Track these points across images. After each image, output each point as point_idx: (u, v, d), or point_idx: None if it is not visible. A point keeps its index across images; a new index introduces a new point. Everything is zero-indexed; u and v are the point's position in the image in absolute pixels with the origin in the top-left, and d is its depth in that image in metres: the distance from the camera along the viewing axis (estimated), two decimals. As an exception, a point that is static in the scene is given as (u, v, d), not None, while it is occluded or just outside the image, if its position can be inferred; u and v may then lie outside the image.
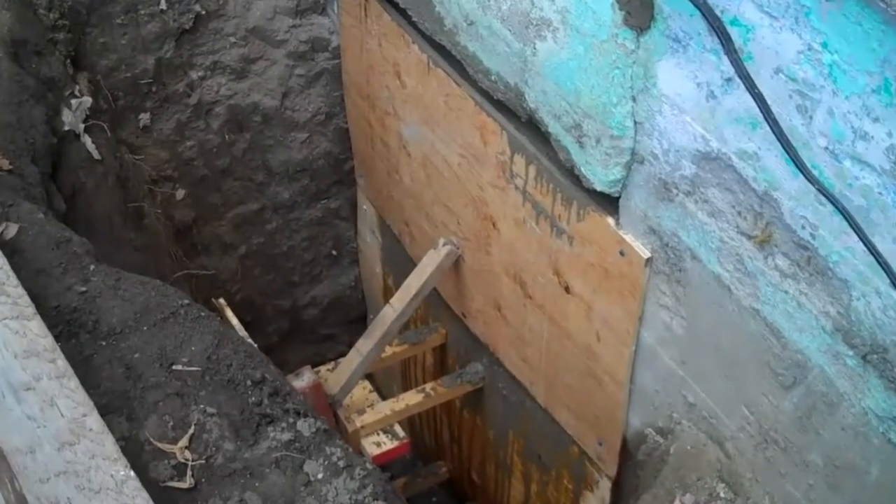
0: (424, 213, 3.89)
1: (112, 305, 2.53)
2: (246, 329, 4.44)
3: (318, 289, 5.09)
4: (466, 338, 4.08)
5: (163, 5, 3.80)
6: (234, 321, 3.98)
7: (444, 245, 3.72)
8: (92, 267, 2.62)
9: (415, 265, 4.20)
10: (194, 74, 3.92)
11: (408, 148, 3.80)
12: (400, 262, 4.45)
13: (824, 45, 1.94)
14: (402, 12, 3.41)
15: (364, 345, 3.81)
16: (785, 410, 2.49)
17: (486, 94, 3.14)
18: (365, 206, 4.63)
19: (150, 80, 3.97)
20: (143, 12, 3.79)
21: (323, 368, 4.12)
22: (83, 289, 2.55)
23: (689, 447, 2.88)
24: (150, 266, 3.73)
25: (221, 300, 4.08)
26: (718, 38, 2.07)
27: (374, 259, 4.77)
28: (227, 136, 4.11)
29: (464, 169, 3.44)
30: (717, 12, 2.10)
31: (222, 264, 4.52)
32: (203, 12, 3.80)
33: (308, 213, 4.70)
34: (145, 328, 2.50)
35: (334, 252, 5.01)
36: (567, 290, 3.15)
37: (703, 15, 2.10)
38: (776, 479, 2.61)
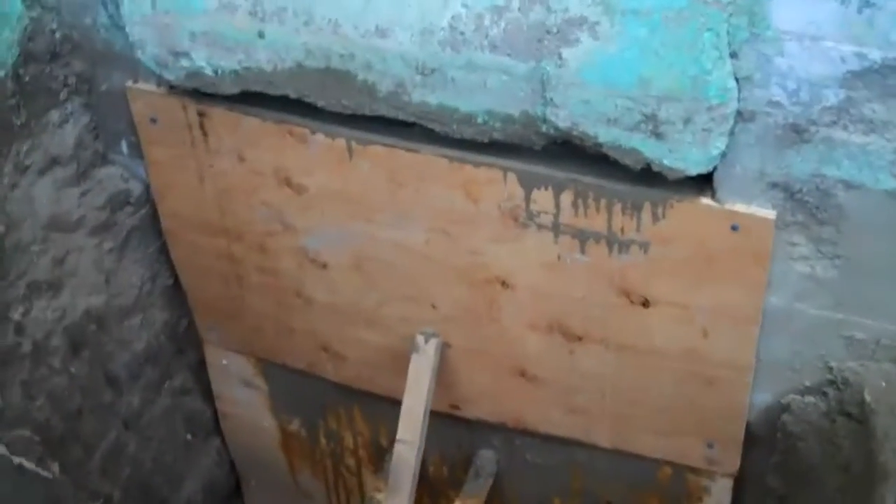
0: (362, 321, 3.52)
1: None
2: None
3: (188, 486, 4.45)
4: (459, 432, 3.80)
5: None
6: None
7: (427, 341, 3.38)
8: None
9: (350, 390, 3.82)
10: (16, 314, 3.18)
11: (320, 259, 3.39)
12: (311, 398, 4.01)
13: None
14: (293, 103, 2.99)
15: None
16: None
17: (468, 145, 2.87)
18: (225, 361, 4.09)
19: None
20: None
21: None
22: None
23: (882, 384, 2.92)
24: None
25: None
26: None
27: (257, 412, 4.25)
28: (70, 368, 3.41)
29: (437, 245, 3.14)
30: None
31: (105, 526, 3.79)
32: (3, 230, 3.07)
33: (157, 406, 4.06)
34: None
35: (190, 437, 4.39)
36: (645, 304, 3.02)
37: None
38: None
